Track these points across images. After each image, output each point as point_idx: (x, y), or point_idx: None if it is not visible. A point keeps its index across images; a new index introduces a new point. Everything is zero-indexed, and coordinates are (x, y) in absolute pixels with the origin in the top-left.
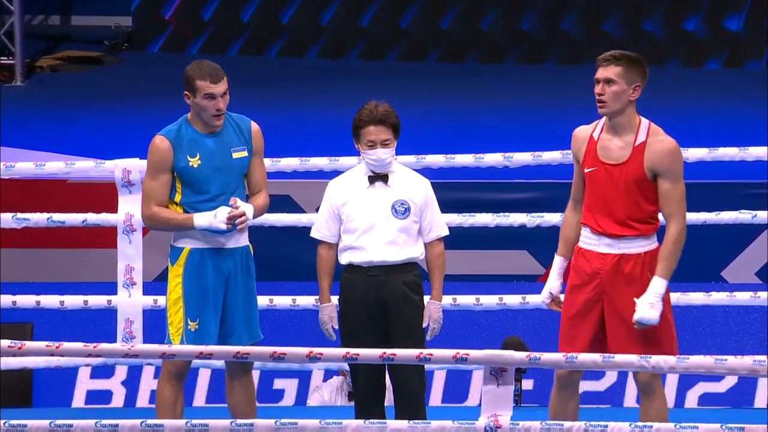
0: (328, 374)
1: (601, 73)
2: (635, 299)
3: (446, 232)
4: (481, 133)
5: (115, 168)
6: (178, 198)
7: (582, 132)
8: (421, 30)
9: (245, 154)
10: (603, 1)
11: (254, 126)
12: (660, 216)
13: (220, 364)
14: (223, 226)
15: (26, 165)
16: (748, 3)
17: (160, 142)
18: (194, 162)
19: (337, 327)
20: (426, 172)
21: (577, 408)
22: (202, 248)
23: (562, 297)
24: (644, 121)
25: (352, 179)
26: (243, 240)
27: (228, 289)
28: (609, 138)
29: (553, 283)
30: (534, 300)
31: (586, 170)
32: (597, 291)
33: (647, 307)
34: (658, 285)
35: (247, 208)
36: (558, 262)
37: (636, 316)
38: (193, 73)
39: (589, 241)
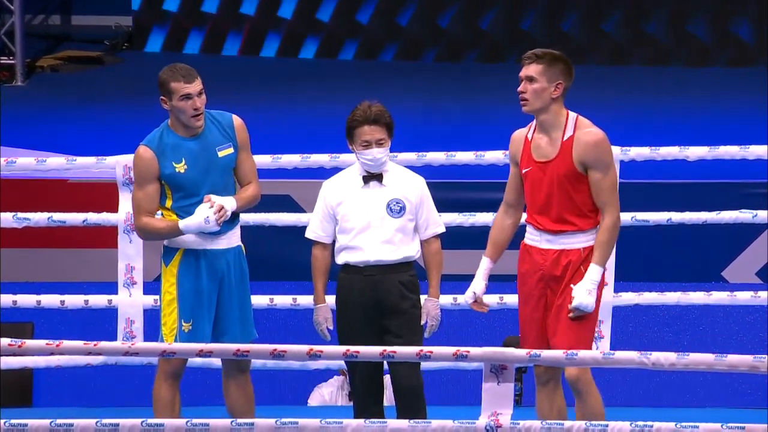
0: (329, 374)
1: (523, 71)
2: (572, 286)
3: (442, 230)
4: (480, 133)
5: (116, 165)
6: (169, 203)
7: (518, 134)
8: (419, 28)
9: (231, 150)
10: (603, 2)
11: (236, 120)
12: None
13: (217, 364)
14: (216, 227)
15: (27, 160)
16: (748, 5)
17: (143, 152)
18: (180, 167)
19: (332, 327)
20: (427, 170)
21: (563, 404)
22: (196, 249)
23: (485, 298)
24: (572, 116)
25: (346, 179)
26: (235, 240)
27: (222, 289)
28: (540, 137)
29: (478, 284)
30: None
31: (523, 170)
32: (540, 286)
33: (585, 294)
34: (594, 272)
35: (226, 201)
36: (484, 264)
37: (574, 303)
38: (166, 77)
39: (532, 237)
